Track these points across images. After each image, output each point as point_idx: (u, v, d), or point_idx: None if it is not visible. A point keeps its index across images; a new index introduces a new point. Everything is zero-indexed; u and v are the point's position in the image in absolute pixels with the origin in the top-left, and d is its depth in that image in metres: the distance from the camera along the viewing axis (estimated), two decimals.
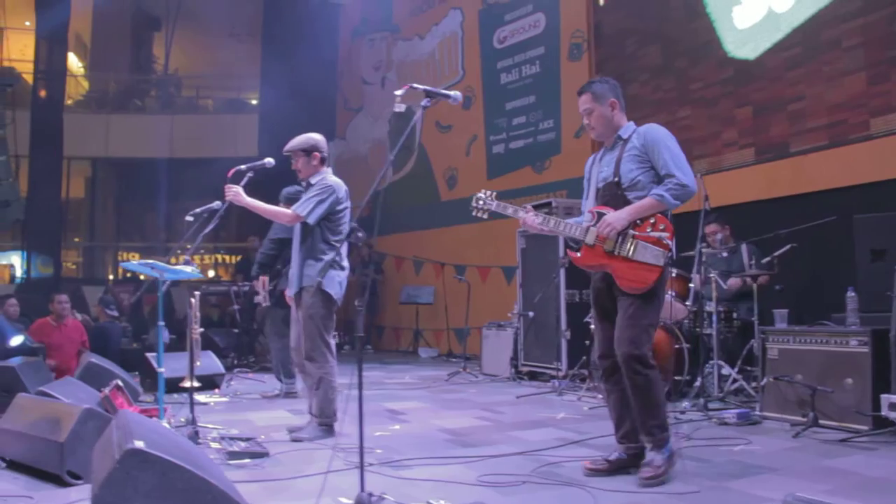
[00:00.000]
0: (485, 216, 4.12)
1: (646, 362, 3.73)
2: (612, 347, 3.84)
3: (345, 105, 15.69)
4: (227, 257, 20.11)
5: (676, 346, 6.22)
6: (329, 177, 5.15)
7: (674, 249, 3.86)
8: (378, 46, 14.67)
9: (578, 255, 3.96)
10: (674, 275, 6.37)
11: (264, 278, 7.36)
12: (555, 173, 10.24)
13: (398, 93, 3.67)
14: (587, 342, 6.64)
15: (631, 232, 3.77)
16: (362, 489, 3.12)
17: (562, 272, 7.58)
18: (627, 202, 3.84)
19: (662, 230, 3.76)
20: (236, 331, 10.01)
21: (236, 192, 4.86)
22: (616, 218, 3.77)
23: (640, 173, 3.84)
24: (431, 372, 9.11)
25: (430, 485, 3.67)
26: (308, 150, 5.15)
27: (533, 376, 8.04)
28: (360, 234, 3.64)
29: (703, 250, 6.18)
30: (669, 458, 3.74)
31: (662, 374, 5.99)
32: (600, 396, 6.33)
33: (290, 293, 5.20)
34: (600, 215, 3.85)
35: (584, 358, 6.77)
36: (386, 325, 13.36)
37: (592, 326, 4.58)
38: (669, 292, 6.28)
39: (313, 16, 14.88)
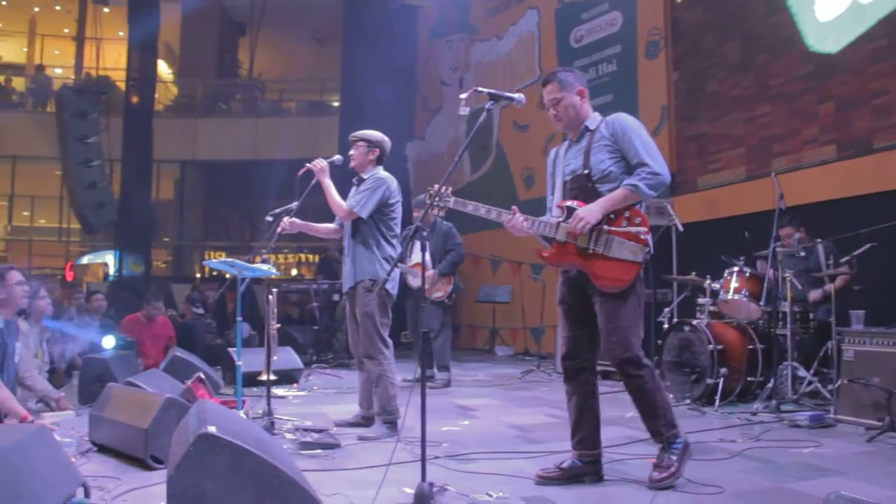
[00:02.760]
0: (440, 214, 3.97)
1: (639, 364, 3.61)
2: (577, 349, 3.76)
3: (423, 106, 15.85)
4: (309, 256, 20.57)
5: (750, 347, 6.14)
6: (380, 172, 5.23)
7: (651, 244, 3.65)
8: (456, 47, 14.78)
9: (546, 253, 3.81)
10: (748, 274, 6.28)
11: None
12: None
13: (462, 96, 3.72)
14: (659, 341, 6.60)
15: (605, 227, 3.60)
16: (423, 479, 3.21)
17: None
18: (598, 195, 3.66)
19: (638, 224, 3.59)
20: (315, 328, 10.26)
21: (323, 167, 5.04)
22: (588, 212, 3.58)
23: (611, 164, 3.67)
24: (506, 370, 9.17)
25: (492, 478, 3.74)
26: (371, 143, 5.25)
27: (606, 375, 7.99)
28: (425, 234, 3.72)
29: (779, 250, 6.07)
30: (682, 454, 3.61)
31: (736, 374, 5.99)
32: (671, 396, 6.30)
33: (344, 288, 5.29)
34: (570, 210, 3.67)
35: (656, 357, 6.72)
36: (463, 324, 13.46)
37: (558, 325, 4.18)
38: (743, 292, 6.20)
39: (392, 18, 15.10)
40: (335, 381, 8.14)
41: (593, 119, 3.84)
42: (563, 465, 3.72)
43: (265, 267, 5.15)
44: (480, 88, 3.71)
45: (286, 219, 5.18)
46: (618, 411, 5.82)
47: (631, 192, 3.58)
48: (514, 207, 3.81)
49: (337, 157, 5.26)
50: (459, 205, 3.79)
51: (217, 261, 5.39)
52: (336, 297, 10.66)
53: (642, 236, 3.58)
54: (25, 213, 21.51)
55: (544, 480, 3.67)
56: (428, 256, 7.56)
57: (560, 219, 3.71)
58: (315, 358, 9.67)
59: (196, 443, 2.61)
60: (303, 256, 21.06)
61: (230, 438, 2.65)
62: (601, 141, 3.73)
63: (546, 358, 9.41)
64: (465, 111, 3.75)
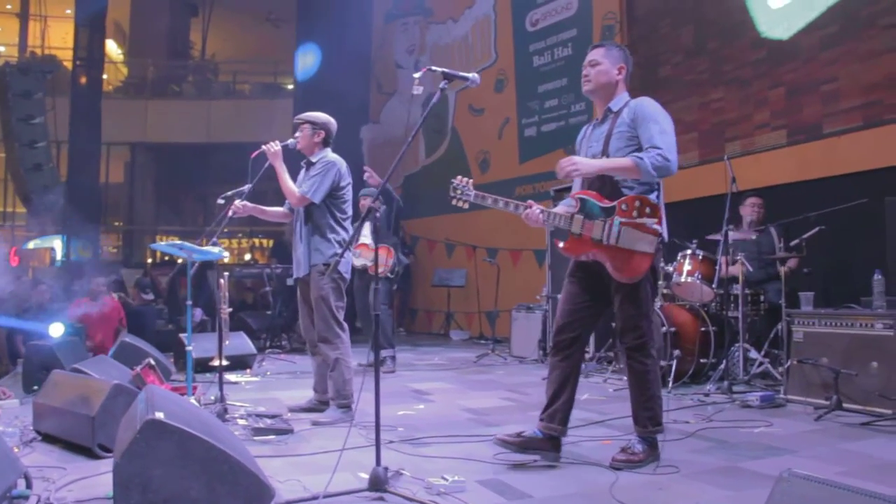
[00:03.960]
0: (465, 206, 3.76)
1: (647, 352, 3.66)
2: (576, 322, 3.73)
3: (379, 89, 15.73)
4: (262, 241, 20.35)
5: (703, 329, 6.20)
6: (329, 154, 5.17)
7: (665, 234, 3.66)
8: (411, 30, 14.69)
9: (562, 245, 3.73)
10: (700, 258, 6.33)
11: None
12: None
13: (416, 75, 3.61)
14: (612, 324, 6.62)
15: (618, 219, 3.55)
16: (378, 463, 3.17)
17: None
18: (615, 185, 3.64)
19: (650, 214, 3.55)
20: (269, 312, 10.15)
21: (276, 151, 4.96)
22: (584, 162, 3.58)
23: (628, 153, 3.60)
24: (461, 354, 9.17)
25: (447, 462, 3.72)
26: (316, 125, 5.18)
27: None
28: (378, 215, 3.65)
29: (731, 233, 6.13)
30: (651, 449, 3.66)
31: (689, 356, 6.04)
32: (625, 378, 6.34)
33: (297, 274, 5.23)
34: (583, 202, 3.64)
35: (611, 341, 6.76)
36: (418, 308, 13.44)
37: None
38: (696, 274, 6.26)
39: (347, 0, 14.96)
40: (289, 365, 8.06)
41: (618, 100, 3.79)
42: (524, 434, 3.72)
43: (215, 250, 5.06)
44: (434, 68, 3.60)
45: (237, 202, 5.09)
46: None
47: (635, 164, 3.51)
48: (529, 201, 3.73)
49: (291, 141, 5.17)
50: (479, 198, 3.68)
51: (165, 243, 5.28)
52: (290, 281, 10.55)
53: (653, 226, 3.54)
54: None
55: (502, 444, 3.69)
56: (370, 238, 7.53)
57: (575, 210, 3.66)
58: (269, 343, 9.57)
59: (143, 429, 2.55)
60: (256, 241, 20.84)
61: (178, 424, 2.58)
62: (621, 127, 3.69)
63: (501, 342, 9.43)
64: (418, 90, 3.56)
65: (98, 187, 15.60)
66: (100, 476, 3.61)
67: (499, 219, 11.13)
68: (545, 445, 3.70)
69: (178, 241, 5.12)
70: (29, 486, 3.05)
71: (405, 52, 14.88)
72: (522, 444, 3.67)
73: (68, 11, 18.81)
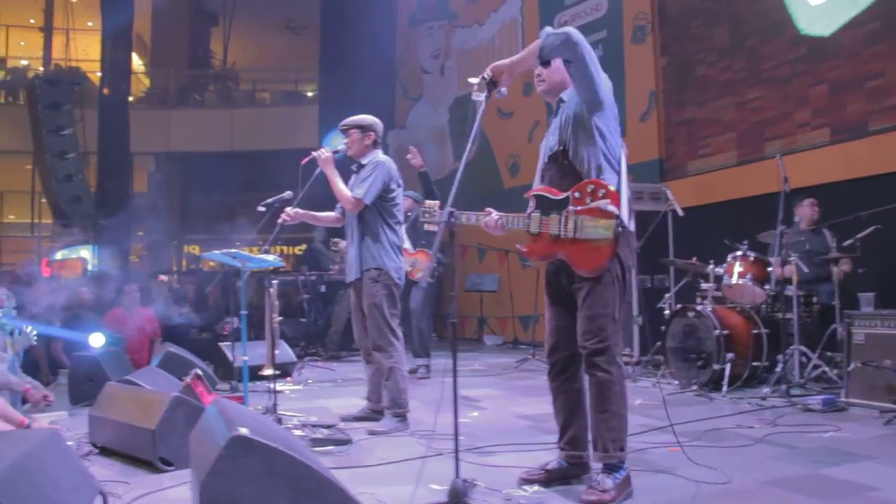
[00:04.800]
0: (435, 228, 3.57)
1: (609, 358, 3.23)
2: (564, 340, 3.42)
3: (404, 94, 15.69)
4: (286, 248, 20.34)
5: (755, 332, 6.09)
6: (380, 155, 5.13)
7: (624, 216, 3.22)
8: (436, 34, 14.63)
9: (525, 248, 3.48)
10: (752, 259, 6.23)
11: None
12: None
13: (473, 81, 3.39)
14: (662, 328, 6.54)
15: (570, 208, 3.27)
16: (457, 475, 3.10)
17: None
18: (576, 173, 3.31)
19: (602, 196, 3.21)
20: (303, 320, 10.11)
21: (327, 157, 4.90)
22: (502, 63, 3.30)
23: (585, 138, 3.31)
24: (500, 359, 9.08)
25: (517, 472, 3.63)
26: (364, 128, 5.13)
27: None
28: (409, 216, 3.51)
29: (785, 232, 6.02)
30: (622, 485, 3.18)
31: (742, 359, 5.93)
32: (676, 383, 6.25)
33: (349, 279, 5.16)
34: (539, 199, 3.40)
35: (658, 344, 6.67)
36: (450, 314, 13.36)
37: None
38: (748, 276, 6.15)
39: (370, 5, 14.91)
40: (328, 373, 8.01)
41: (569, 90, 3.47)
42: (549, 467, 3.50)
43: (270, 258, 5.01)
44: (485, 75, 3.32)
45: (289, 209, 5.03)
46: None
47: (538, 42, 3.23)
48: (487, 209, 3.54)
49: (342, 147, 5.11)
50: (463, 217, 3.47)
51: (218, 252, 5.23)
52: (323, 288, 10.53)
53: (608, 209, 3.19)
54: None
55: (527, 483, 3.44)
56: (408, 242, 7.50)
57: (531, 209, 3.43)
58: (305, 351, 9.52)
59: (228, 446, 2.47)
60: (280, 248, 20.83)
61: (263, 440, 2.51)
62: (570, 108, 3.39)
63: (538, 346, 9.33)
64: (479, 97, 3.31)
65: (127, 197, 15.63)
66: (166, 491, 3.58)
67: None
68: (574, 472, 3.49)
69: (232, 250, 5.07)
70: (105, 503, 2.99)
71: (430, 57, 14.82)
72: (552, 479, 3.45)
73: (90, 24, 18.91)
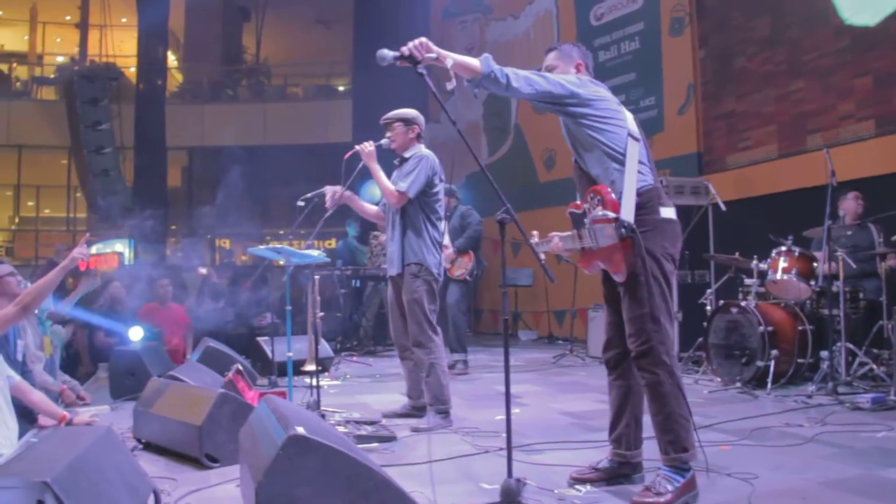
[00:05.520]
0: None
1: (653, 360, 3.16)
2: (616, 337, 3.42)
3: (438, 88, 15.61)
4: (317, 242, 20.39)
5: (800, 328, 5.99)
6: (423, 149, 5.09)
7: (622, 216, 3.17)
8: (470, 28, 14.55)
9: (579, 264, 3.51)
10: (797, 254, 6.12)
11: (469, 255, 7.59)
12: (658, 151, 9.85)
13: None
14: (703, 324, 6.45)
15: (585, 220, 3.33)
16: (510, 475, 3.07)
17: None
18: (591, 179, 3.34)
19: (598, 204, 3.24)
20: (339, 314, 10.12)
21: (370, 151, 4.89)
22: (443, 52, 3.17)
23: (590, 136, 3.29)
24: (536, 354, 9.03)
25: (567, 470, 3.58)
26: (408, 121, 5.11)
27: None
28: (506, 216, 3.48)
29: (830, 227, 5.90)
30: (683, 488, 3.09)
31: (786, 356, 5.84)
32: (718, 380, 6.16)
33: (390, 273, 5.13)
34: (572, 216, 3.43)
35: (701, 340, 6.58)
36: (484, 308, 13.32)
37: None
38: (793, 271, 6.05)
39: None
40: (366, 368, 8.02)
41: None
42: (600, 466, 3.47)
43: (315, 253, 5.00)
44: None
45: (338, 188, 4.97)
46: None
47: (479, 63, 3.13)
48: (550, 234, 3.56)
49: (385, 141, 5.08)
50: (542, 245, 3.57)
51: (263, 248, 5.21)
52: (357, 283, 10.53)
53: (602, 214, 3.20)
54: (31, 203, 21.33)
55: (578, 482, 3.41)
56: (448, 238, 7.48)
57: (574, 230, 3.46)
58: (341, 346, 9.53)
59: (286, 445, 2.46)
60: (315, 242, 20.88)
61: (321, 439, 2.50)
62: (560, 118, 3.41)
63: (574, 342, 9.27)
64: (451, 84, 3.23)
65: (163, 191, 15.75)
66: (213, 488, 3.58)
67: (566, 216, 11.00)
68: (624, 472, 3.44)
69: (277, 245, 5.07)
70: (158, 501, 2.99)
71: (464, 51, 14.58)
72: (601, 478, 3.41)
73: (124, 20, 19.09)
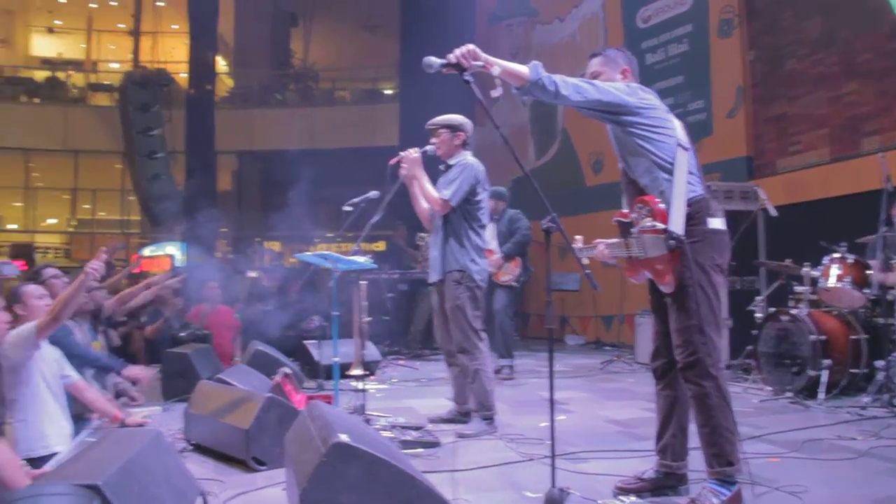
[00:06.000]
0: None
1: (700, 371, 3.12)
2: (663, 346, 3.38)
3: (484, 93, 15.62)
4: (367, 244, 20.50)
5: (853, 337, 5.86)
6: (469, 157, 5.08)
7: (671, 228, 3.13)
8: (516, 32, 14.52)
9: (625, 273, 3.51)
10: (850, 261, 5.99)
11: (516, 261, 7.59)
12: (706, 156, 9.80)
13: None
14: (753, 332, 6.35)
15: (633, 230, 3.31)
16: (553, 484, 3.06)
17: None
18: (638, 188, 3.32)
19: (647, 215, 3.22)
20: (386, 318, 10.16)
21: (415, 158, 4.91)
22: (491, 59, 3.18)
23: (639, 145, 3.27)
24: (583, 360, 8.96)
25: (611, 480, 3.56)
26: (454, 128, 5.10)
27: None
28: (495, 219, 3.48)
29: (886, 234, 5.77)
30: (728, 503, 3.06)
31: (839, 366, 5.71)
32: (769, 389, 6.06)
33: (431, 279, 5.15)
34: (619, 224, 3.42)
35: (750, 348, 6.47)
36: (531, 313, 13.26)
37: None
38: (846, 279, 5.92)
39: (449, 3, 14.88)
40: (412, 372, 8.04)
41: None
42: (645, 476, 3.43)
43: (361, 259, 5.03)
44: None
45: (411, 150, 4.98)
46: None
47: (528, 70, 3.13)
48: (595, 240, 3.61)
49: (430, 147, 5.09)
50: (585, 251, 3.66)
51: (310, 254, 5.28)
52: (405, 287, 10.57)
53: (651, 225, 3.19)
54: (87, 206, 21.87)
55: (622, 492, 3.38)
56: (496, 243, 7.47)
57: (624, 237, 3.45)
58: (388, 349, 9.57)
59: (329, 453, 2.49)
60: (361, 245, 20.98)
61: (364, 447, 2.52)
62: (609, 126, 3.42)
63: (621, 347, 9.19)
64: (497, 92, 3.25)
65: (214, 194, 16.00)
66: (260, 491, 3.63)
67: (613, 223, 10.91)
68: (669, 483, 3.40)
69: (324, 251, 5.12)
70: None
71: (510, 55, 14.69)
72: (645, 489, 3.37)
73: (175, 27, 19.45)
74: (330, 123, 19.20)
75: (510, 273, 7.50)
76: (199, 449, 4.49)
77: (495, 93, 3.24)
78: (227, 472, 3.99)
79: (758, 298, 6.84)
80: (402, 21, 16.52)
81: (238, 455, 4.08)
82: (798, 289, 6.27)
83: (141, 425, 5.05)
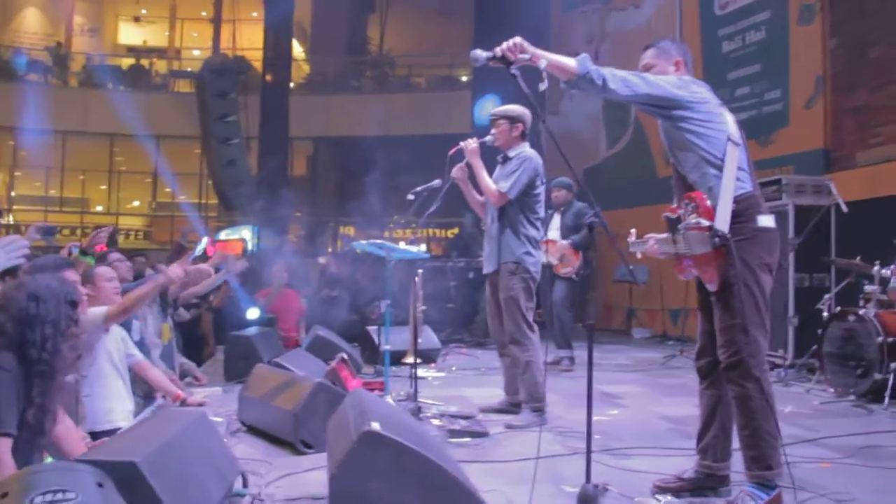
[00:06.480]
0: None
1: (743, 372, 3.06)
2: (708, 345, 3.32)
3: (558, 81, 15.47)
4: (438, 231, 20.59)
5: None
6: (527, 149, 5.06)
7: (716, 225, 3.08)
8: (591, 18, 14.34)
9: (674, 268, 3.46)
10: None
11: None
12: (782, 147, 9.58)
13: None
14: (819, 331, 6.16)
15: (680, 226, 3.26)
16: (588, 479, 3.04)
17: (790, 255, 7.07)
18: (687, 184, 3.27)
19: (693, 211, 3.17)
20: (451, 305, 10.20)
21: (474, 149, 4.92)
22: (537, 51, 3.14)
23: (689, 141, 3.22)
24: (646, 354, 8.85)
25: (654, 478, 3.52)
26: (513, 119, 5.08)
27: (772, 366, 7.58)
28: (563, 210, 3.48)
29: None
30: None
31: None
32: (832, 390, 5.88)
33: (486, 270, 5.17)
34: (667, 220, 3.36)
35: (815, 347, 6.29)
36: (598, 303, 13.14)
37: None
38: None
39: None
40: (473, 361, 8.06)
41: None
42: (685, 476, 3.37)
43: (415, 249, 5.09)
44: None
45: (470, 140, 5.02)
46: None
47: (575, 62, 3.13)
48: (646, 235, 3.63)
49: (489, 138, 5.10)
50: (637, 245, 3.70)
51: (366, 242, 5.35)
52: (471, 274, 10.58)
53: (697, 222, 3.14)
54: (168, 190, 22.55)
55: (660, 491, 3.34)
56: (558, 233, 7.43)
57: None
58: (450, 337, 9.61)
59: (360, 440, 2.53)
60: (432, 231, 21.11)
61: (394, 436, 2.55)
62: (659, 120, 3.38)
63: (687, 342, 9.04)
64: (543, 85, 3.23)
65: (286, 180, 16.28)
66: (305, 473, 3.71)
67: None
68: (709, 484, 3.33)
69: (379, 241, 5.19)
70: (245, 484, 3.13)
71: (584, 42, 14.53)
72: (684, 489, 3.32)
73: (255, 14, 19.83)
74: (405, 110, 19.33)
75: (570, 266, 7.45)
76: (253, 430, 4.60)
77: (542, 86, 3.21)
78: (275, 454, 4.08)
79: (826, 296, 6.63)
80: (476, 7, 16.46)
81: (287, 437, 4.18)
82: (868, 288, 6.06)
83: (201, 405, 5.23)
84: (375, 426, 2.56)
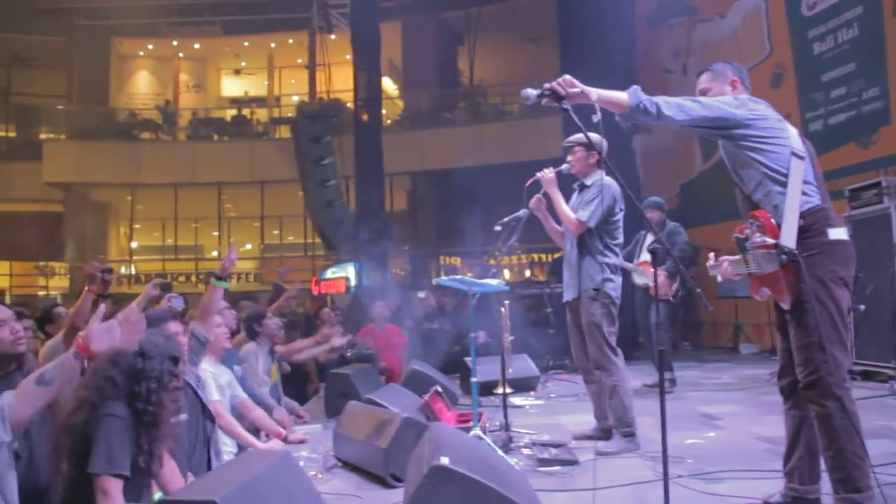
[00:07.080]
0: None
1: (822, 391, 2.99)
2: (789, 364, 3.23)
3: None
4: (541, 256, 20.52)
5: None
6: (605, 178, 5.04)
7: (781, 242, 3.05)
8: (677, 32, 14.17)
9: (749, 289, 3.42)
10: None
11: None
12: (884, 147, 9.18)
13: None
14: None
15: (748, 245, 3.21)
16: None
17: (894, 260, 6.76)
18: (752, 202, 3.24)
19: (757, 230, 3.13)
20: (551, 331, 10.16)
21: (550, 178, 4.96)
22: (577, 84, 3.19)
23: (752, 159, 3.20)
24: (752, 371, 8.56)
25: (741, 502, 3.44)
26: (589, 146, 5.07)
27: (867, 376, 7.25)
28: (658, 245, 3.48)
29: None
30: None
31: None
32: None
33: (566, 298, 5.17)
34: (737, 241, 3.31)
35: None
36: (704, 321, 12.83)
37: None
38: None
39: (608, 9, 14.70)
40: (573, 387, 7.99)
41: None
42: (772, 500, 3.31)
43: (494, 282, 5.15)
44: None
45: (546, 170, 5.08)
46: (885, 420, 5.25)
47: (627, 94, 3.16)
48: (721, 258, 3.62)
49: (565, 166, 5.13)
50: (714, 269, 3.71)
51: (447, 278, 5.44)
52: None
53: (761, 240, 3.11)
54: (275, 232, 23.35)
55: None
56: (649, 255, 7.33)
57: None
58: (551, 363, 9.57)
59: (429, 475, 2.59)
60: (535, 256, 21.06)
61: (463, 471, 2.60)
62: (720, 141, 3.37)
63: None
64: (596, 117, 3.24)
65: (385, 216, 16.60)
66: None
67: None
68: None
69: (459, 276, 5.27)
70: None
71: (672, 56, 14.38)
72: None
73: (347, 57, 20.43)
74: (498, 139, 19.46)
75: (666, 286, 7.34)
76: (347, 465, 4.72)
77: (595, 118, 3.24)
78: (367, 488, 4.19)
79: None
80: (560, 32, 16.50)
81: (378, 472, 4.27)
82: None
83: (302, 442, 5.43)
84: (444, 461, 2.62)
